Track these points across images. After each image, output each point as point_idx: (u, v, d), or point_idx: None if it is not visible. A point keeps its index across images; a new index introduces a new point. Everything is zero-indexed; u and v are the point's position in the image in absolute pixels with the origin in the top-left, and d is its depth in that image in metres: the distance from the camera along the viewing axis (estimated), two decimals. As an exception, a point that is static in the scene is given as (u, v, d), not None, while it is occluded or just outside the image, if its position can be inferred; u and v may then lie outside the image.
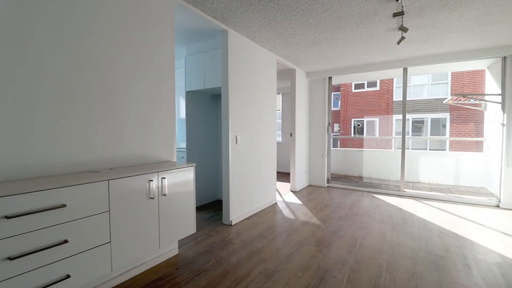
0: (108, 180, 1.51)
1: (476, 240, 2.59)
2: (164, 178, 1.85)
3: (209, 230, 2.84)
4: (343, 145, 12.32)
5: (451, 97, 5.16)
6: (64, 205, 1.30)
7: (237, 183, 3.11)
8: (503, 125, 3.72)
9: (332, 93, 5.47)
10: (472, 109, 9.10)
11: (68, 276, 1.33)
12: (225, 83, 2.95)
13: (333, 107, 13.31)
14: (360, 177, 6.35)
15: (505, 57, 3.66)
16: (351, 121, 12.93)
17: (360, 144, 11.62)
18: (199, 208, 3.61)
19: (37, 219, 1.21)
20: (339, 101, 13.46)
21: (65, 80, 1.55)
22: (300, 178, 4.91)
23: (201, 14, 2.51)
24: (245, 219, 3.22)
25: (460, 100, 5.04)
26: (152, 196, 1.77)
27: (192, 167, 2.10)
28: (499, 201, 3.74)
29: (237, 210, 3.13)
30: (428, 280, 1.89)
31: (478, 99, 5.31)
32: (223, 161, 3.02)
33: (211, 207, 3.69)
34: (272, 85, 3.87)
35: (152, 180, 1.76)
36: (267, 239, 2.62)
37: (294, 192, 4.69)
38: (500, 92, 3.83)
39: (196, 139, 3.72)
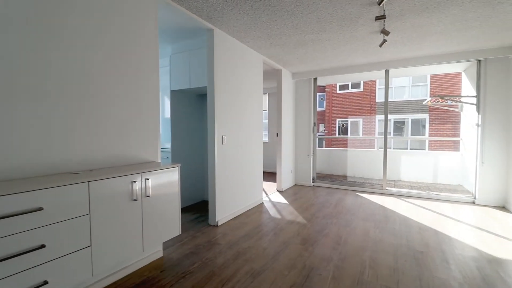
0: (88, 182, 1.45)
1: (454, 235, 2.72)
2: (147, 179, 1.81)
3: (194, 232, 2.80)
4: (328, 145, 12.54)
5: (430, 99, 5.38)
6: (41, 208, 1.24)
7: (223, 184, 3.09)
8: (478, 125, 3.91)
9: (318, 94, 5.56)
10: (449, 110, 9.51)
11: (45, 282, 1.27)
12: (211, 82, 2.93)
13: (319, 107, 13.55)
14: (345, 176, 6.48)
15: (479, 61, 3.86)
16: (335, 121, 13.18)
17: (344, 144, 11.87)
18: (184, 210, 3.55)
19: (11, 223, 1.15)
20: (324, 102, 13.69)
21: (43, 76, 1.49)
22: (286, 177, 4.95)
23: (187, 12, 2.47)
24: (232, 219, 3.21)
25: (438, 101, 5.26)
26: (135, 198, 1.72)
27: (177, 168, 2.07)
28: (475, 198, 3.93)
29: (223, 211, 3.11)
30: (408, 275, 1.96)
31: (455, 100, 5.56)
32: (209, 162, 3.00)
33: (197, 208, 3.64)
34: (258, 85, 3.87)
35: (135, 182, 1.72)
36: (253, 239, 2.62)
37: (280, 191, 4.72)
38: (475, 94, 4.03)
39: (181, 139, 3.67)
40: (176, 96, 3.59)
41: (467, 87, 4.77)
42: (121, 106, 1.93)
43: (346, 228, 2.90)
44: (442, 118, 10.81)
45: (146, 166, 1.92)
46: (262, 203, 3.99)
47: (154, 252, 2.18)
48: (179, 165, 2.09)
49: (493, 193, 3.78)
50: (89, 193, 1.46)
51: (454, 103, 5.96)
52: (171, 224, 2.03)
